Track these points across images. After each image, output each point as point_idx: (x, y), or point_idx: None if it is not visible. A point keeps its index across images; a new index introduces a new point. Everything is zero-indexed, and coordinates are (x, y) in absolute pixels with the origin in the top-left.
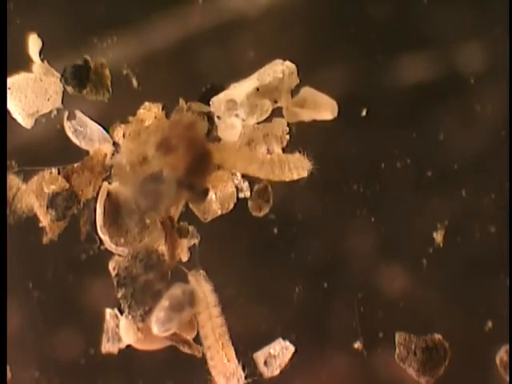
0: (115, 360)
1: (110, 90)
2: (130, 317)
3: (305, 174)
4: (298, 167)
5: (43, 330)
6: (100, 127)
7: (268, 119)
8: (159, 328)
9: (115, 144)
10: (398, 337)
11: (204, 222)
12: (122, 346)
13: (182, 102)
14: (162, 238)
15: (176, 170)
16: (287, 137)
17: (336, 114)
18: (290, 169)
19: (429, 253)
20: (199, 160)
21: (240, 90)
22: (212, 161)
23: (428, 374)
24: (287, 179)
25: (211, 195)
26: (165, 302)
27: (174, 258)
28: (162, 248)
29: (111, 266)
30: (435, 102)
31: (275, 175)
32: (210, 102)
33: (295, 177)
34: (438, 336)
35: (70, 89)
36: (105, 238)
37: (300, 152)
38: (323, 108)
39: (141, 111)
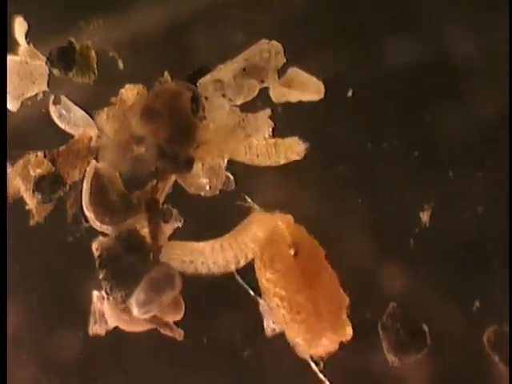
0: (103, 342)
1: (96, 72)
2: (111, 298)
3: (297, 157)
4: (289, 152)
5: (30, 312)
6: (85, 113)
7: (253, 104)
8: (139, 310)
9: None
10: (391, 307)
11: (191, 193)
12: (110, 327)
13: (166, 74)
14: (146, 220)
15: (158, 136)
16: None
17: (322, 95)
18: (278, 154)
19: (415, 233)
20: (183, 129)
21: (227, 70)
22: (196, 131)
23: (399, 356)
24: (274, 164)
25: (198, 167)
26: (145, 285)
27: (157, 241)
28: (145, 230)
29: (94, 246)
30: (422, 82)
31: (261, 161)
32: (197, 84)
33: (283, 161)
34: (424, 325)
35: (55, 71)
36: (90, 215)
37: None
38: (310, 89)
39: (122, 91)
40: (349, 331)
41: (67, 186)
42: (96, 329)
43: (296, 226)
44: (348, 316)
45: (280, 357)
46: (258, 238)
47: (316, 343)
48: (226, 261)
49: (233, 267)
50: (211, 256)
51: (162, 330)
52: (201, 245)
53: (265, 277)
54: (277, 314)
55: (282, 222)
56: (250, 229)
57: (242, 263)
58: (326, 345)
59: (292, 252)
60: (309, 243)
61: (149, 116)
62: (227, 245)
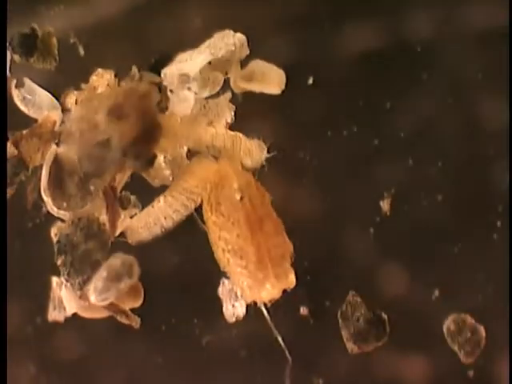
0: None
1: (57, 58)
2: (68, 284)
3: (255, 164)
4: (251, 154)
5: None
6: (49, 94)
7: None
8: (96, 297)
9: (64, 111)
10: (351, 295)
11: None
12: (68, 314)
13: (134, 69)
14: (104, 208)
15: (124, 137)
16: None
17: (283, 87)
18: (242, 151)
19: (376, 221)
20: (148, 131)
21: (193, 63)
22: (161, 133)
23: (358, 344)
24: (238, 161)
25: (160, 159)
26: (103, 272)
27: (115, 229)
28: (104, 218)
29: (53, 232)
30: (382, 70)
31: (226, 153)
32: (162, 75)
33: (245, 162)
34: (383, 313)
35: (16, 57)
36: (47, 200)
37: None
38: (271, 81)
39: (93, 78)
40: (291, 279)
41: (29, 170)
42: (55, 315)
43: (243, 172)
44: (292, 265)
45: (240, 343)
46: (204, 180)
47: (258, 289)
48: (184, 205)
49: (190, 208)
50: (168, 208)
51: (118, 318)
52: (154, 205)
53: (211, 219)
54: (222, 259)
55: (229, 167)
56: (195, 174)
57: (198, 202)
58: (270, 291)
59: (238, 197)
60: (255, 189)
61: (116, 116)
62: (177, 193)
